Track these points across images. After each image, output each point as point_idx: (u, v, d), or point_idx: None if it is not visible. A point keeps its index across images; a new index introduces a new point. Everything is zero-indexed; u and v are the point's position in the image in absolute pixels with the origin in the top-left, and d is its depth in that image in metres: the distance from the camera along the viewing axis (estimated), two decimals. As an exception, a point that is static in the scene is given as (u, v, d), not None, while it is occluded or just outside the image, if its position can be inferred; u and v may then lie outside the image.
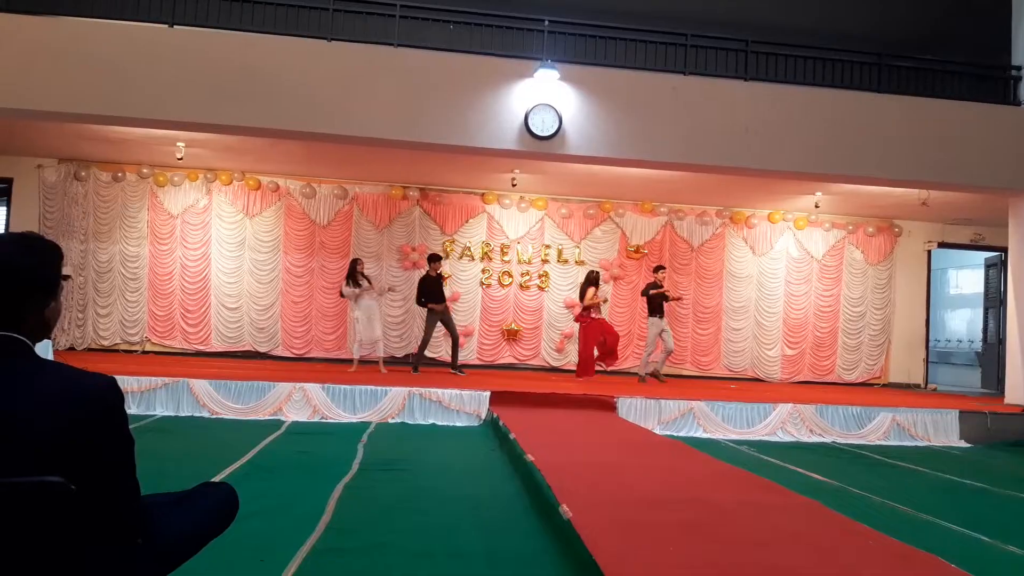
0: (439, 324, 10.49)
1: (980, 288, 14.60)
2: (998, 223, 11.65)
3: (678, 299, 11.82)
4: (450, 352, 10.76)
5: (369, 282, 10.20)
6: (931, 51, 10.25)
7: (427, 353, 10.81)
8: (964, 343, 16.92)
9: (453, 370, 10.39)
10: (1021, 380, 9.67)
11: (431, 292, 10.29)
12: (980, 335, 14.75)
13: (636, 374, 11.08)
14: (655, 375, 10.91)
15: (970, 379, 15.11)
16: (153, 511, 1.92)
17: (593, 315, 10.71)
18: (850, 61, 9.85)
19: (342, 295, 10.34)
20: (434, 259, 10.48)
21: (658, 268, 11.19)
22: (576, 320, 11.15)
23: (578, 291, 11.40)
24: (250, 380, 8.19)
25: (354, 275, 10.10)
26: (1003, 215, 10.49)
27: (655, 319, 10.82)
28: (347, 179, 12.33)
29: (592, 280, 10.82)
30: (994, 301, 13.59)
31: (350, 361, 10.47)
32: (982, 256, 14.16)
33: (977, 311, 15.29)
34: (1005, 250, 10.88)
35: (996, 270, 13.48)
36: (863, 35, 10.36)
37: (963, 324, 17.23)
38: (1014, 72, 10.02)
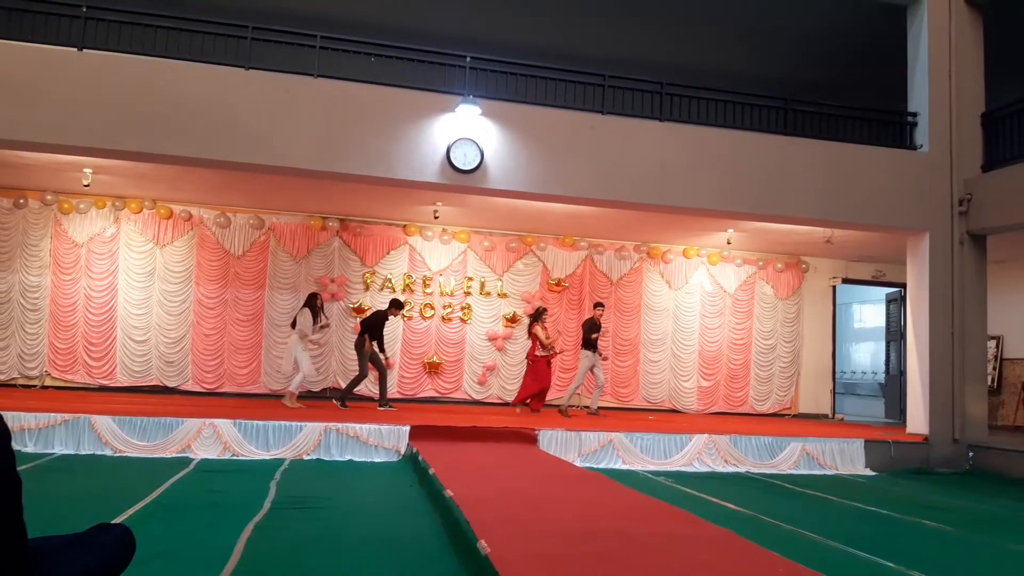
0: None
1: (882, 322, 15.30)
2: (898, 260, 12.27)
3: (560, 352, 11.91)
4: (377, 387, 10.63)
5: (326, 318, 10.04)
6: (835, 97, 10.79)
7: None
8: (868, 375, 17.69)
9: (382, 406, 10.18)
10: (922, 410, 10.09)
11: (379, 329, 10.28)
12: (883, 367, 15.43)
13: (559, 407, 11.10)
14: (591, 411, 11.06)
15: (874, 409, 15.75)
16: (43, 554, 1.82)
17: (543, 352, 10.95)
18: (759, 105, 10.29)
19: (306, 335, 9.98)
20: (397, 305, 10.58)
21: (597, 305, 11.40)
22: (529, 358, 11.17)
23: (526, 330, 11.80)
24: (157, 416, 7.84)
25: (316, 311, 9.91)
26: (902, 253, 11.04)
27: (588, 352, 10.97)
28: (264, 209, 12.08)
29: (537, 316, 11.12)
30: (895, 335, 14.25)
31: (264, 396, 10.22)
32: (883, 292, 14.87)
33: (880, 344, 16.02)
34: (904, 286, 11.42)
35: (896, 305, 14.16)
36: (772, 80, 10.82)
37: (867, 356, 18.02)
38: (910, 118, 10.63)
